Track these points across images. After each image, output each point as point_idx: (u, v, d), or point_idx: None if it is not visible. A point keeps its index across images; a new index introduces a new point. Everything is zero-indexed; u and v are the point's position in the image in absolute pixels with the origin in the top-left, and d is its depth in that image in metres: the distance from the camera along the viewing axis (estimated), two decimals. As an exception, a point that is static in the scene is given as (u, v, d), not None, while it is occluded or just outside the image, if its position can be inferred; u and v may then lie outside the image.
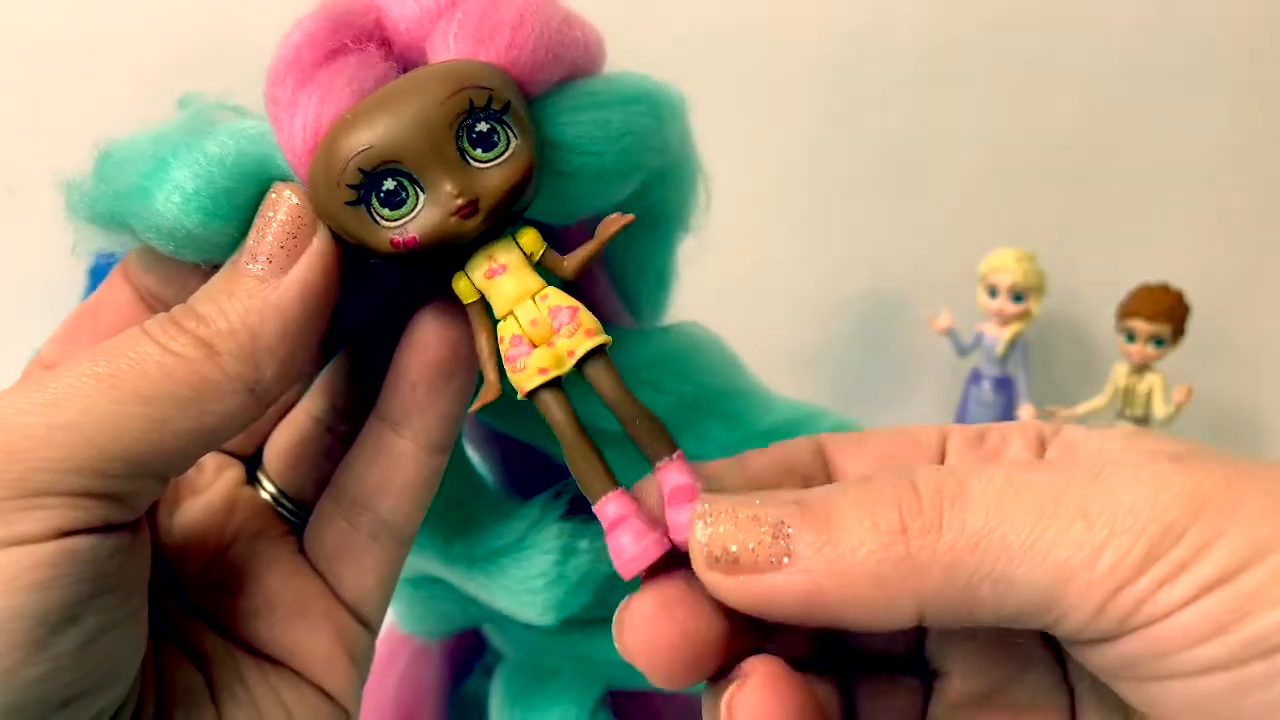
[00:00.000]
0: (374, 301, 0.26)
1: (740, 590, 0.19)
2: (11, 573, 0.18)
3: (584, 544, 0.30)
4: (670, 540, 0.21)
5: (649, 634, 0.20)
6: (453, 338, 0.23)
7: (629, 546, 0.20)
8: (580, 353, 0.21)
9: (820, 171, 0.67)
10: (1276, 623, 0.16)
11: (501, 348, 0.22)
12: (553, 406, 0.21)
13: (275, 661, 0.24)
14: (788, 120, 0.66)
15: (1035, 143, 0.66)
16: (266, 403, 0.22)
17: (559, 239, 0.26)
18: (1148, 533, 0.17)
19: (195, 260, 0.23)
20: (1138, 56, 0.64)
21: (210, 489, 0.26)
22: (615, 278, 0.30)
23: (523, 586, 0.30)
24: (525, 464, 0.32)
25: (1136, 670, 0.18)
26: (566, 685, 0.36)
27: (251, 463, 0.27)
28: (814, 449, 0.23)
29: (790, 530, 0.18)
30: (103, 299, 0.24)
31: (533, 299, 0.22)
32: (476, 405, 0.22)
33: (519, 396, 0.21)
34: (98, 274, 0.52)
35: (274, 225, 0.22)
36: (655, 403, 0.28)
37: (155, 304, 0.24)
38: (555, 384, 0.21)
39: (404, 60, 0.23)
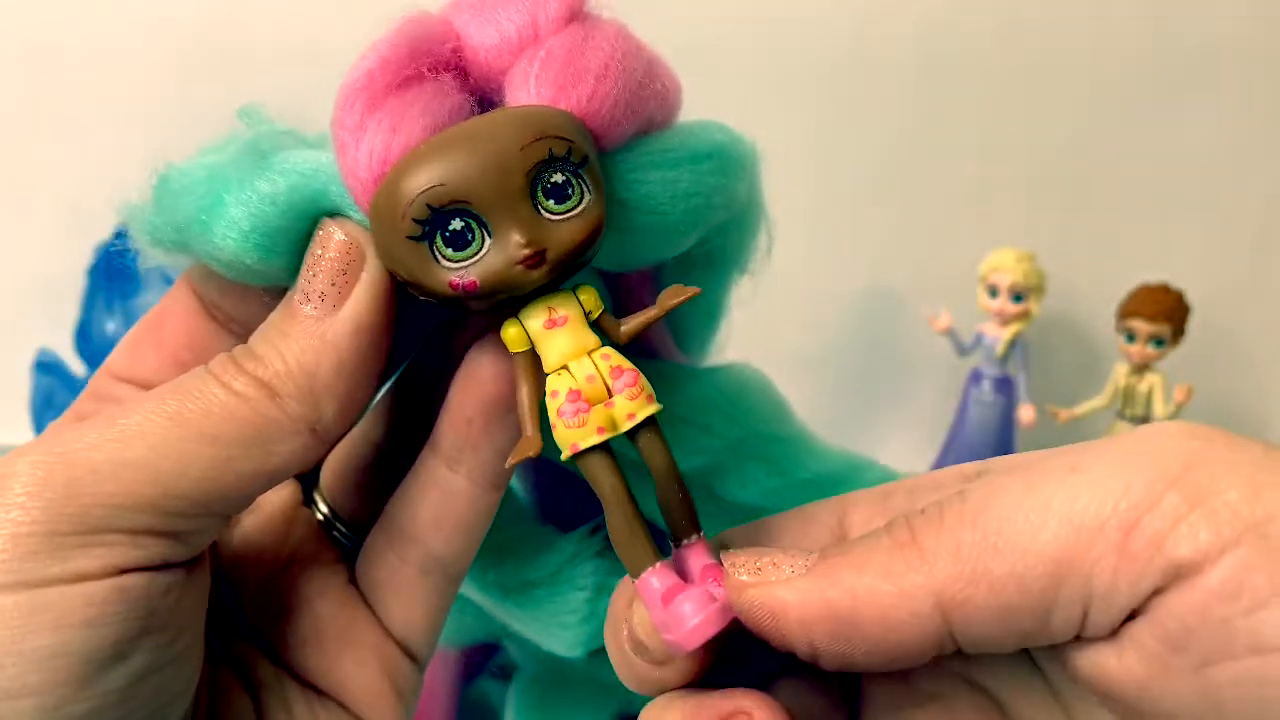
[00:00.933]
0: (431, 324, 0.26)
1: (752, 600, 0.19)
2: (63, 609, 0.18)
3: (617, 582, 0.29)
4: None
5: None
6: (510, 374, 0.23)
7: (692, 615, 0.20)
8: (641, 417, 0.21)
9: (820, 171, 0.67)
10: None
11: (553, 402, 0.21)
12: (602, 470, 0.21)
13: (323, 693, 0.24)
14: (788, 120, 0.66)
15: (1035, 143, 0.66)
16: (329, 442, 0.22)
17: (614, 284, 0.26)
18: (1148, 473, 0.16)
19: (259, 285, 0.23)
20: (1138, 57, 0.64)
21: (268, 505, 0.26)
22: (668, 314, 0.30)
23: (555, 621, 0.30)
24: (564, 492, 0.31)
25: (1176, 654, 0.17)
26: (584, 698, 0.36)
27: (308, 482, 0.27)
28: (836, 514, 0.22)
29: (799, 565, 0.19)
30: (167, 308, 0.24)
31: (590, 356, 0.21)
32: (513, 460, 0.21)
33: (563, 456, 0.21)
34: (98, 274, 0.52)
35: (323, 264, 0.21)
36: (702, 444, 0.27)
37: (217, 313, 0.24)
38: (605, 447, 0.21)
39: (479, 91, 0.22)
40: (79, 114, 0.64)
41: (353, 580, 0.25)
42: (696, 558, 0.21)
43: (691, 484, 0.22)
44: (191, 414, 0.20)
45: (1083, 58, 0.64)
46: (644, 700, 0.22)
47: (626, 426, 0.21)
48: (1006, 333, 0.64)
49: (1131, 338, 0.62)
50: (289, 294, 0.22)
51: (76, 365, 0.54)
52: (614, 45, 0.22)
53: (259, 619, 0.25)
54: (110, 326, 0.51)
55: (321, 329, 0.21)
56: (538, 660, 0.36)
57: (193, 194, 0.21)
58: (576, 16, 0.22)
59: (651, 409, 0.21)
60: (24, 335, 0.58)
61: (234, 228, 0.21)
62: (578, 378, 0.21)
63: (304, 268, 0.22)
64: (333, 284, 0.21)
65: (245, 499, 0.21)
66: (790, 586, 0.19)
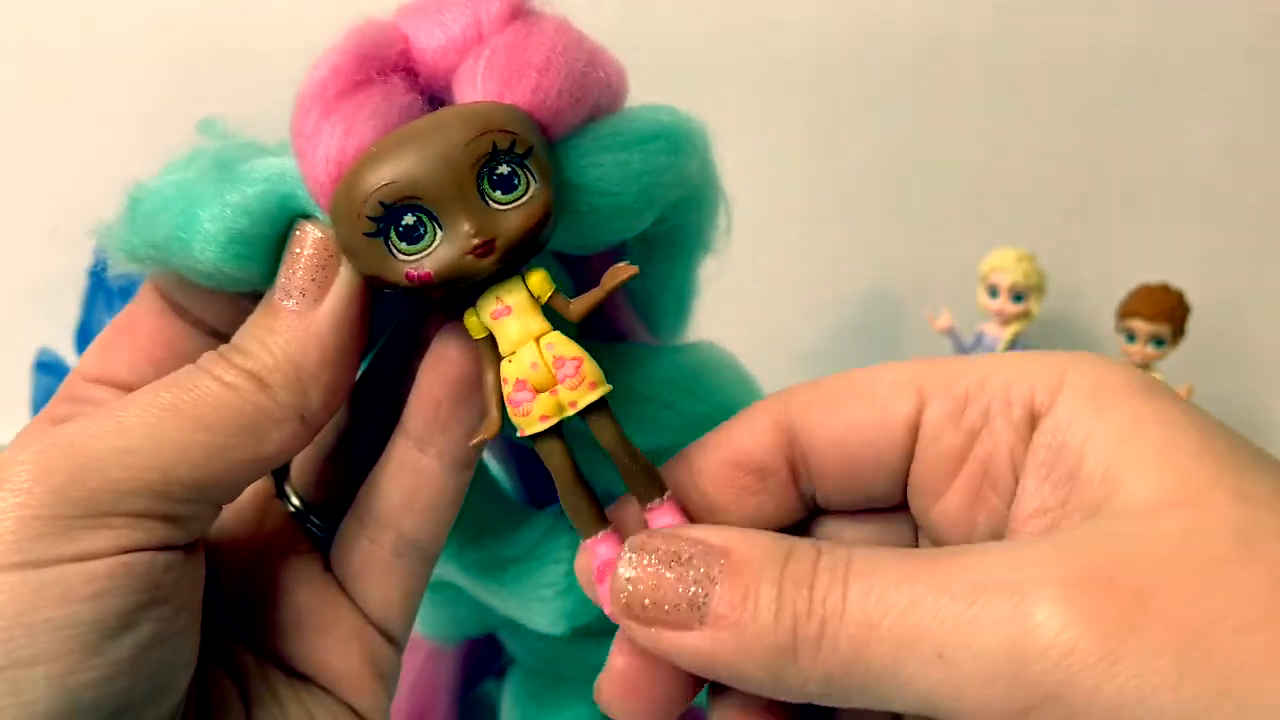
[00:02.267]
0: (391, 316, 0.27)
1: (652, 640, 0.20)
2: (71, 584, 0.19)
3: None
4: None
5: (629, 697, 0.22)
6: (476, 355, 0.23)
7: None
8: (582, 404, 0.22)
9: (820, 171, 0.67)
10: None
11: (505, 389, 0.22)
12: (551, 452, 0.22)
13: (306, 679, 0.25)
14: (788, 120, 0.66)
15: (1035, 143, 0.66)
16: (315, 428, 0.23)
17: (580, 268, 0.27)
18: (1005, 686, 0.16)
19: (236, 290, 0.24)
20: (1138, 57, 0.64)
21: (241, 498, 0.26)
22: (634, 296, 0.30)
23: (534, 595, 0.30)
24: (539, 470, 0.32)
25: None
26: (579, 688, 0.36)
27: (279, 474, 0.28)
28: (771, 427, 0.23)
29: (705, 601, 0.19)
30: (136, 311, 0.25)
31: (536, 342, 0.22)
32: (476, 440, 0.23)
33: (518, 436, 0.22)
34: (98, 273, 0.52)
35: (301, 261, 0.23)
36: (666, 420, 0.28)
37: (184, 314, 0.25)
38: (555, 429, 0.22)
39: (429, 90, 0.23)
40: (79, 114, 0.65)
41: (328, 567, 0.26)
42: (661, 519, 0.22)
43: (656, 460, 0.23)
44: (187, 405, 0.21)
45: (1082, 58, 0.64)
46: None
47: (570, 413, 0.22)
48: (1007, 333, 0.64)
49: (1131, 338, 0.62)
50: (269, 293, 0.23)
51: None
52: (554, 39, 0.23)
53: (238, 610, 0.25)
54: (110, 326, 0.51)
55: (304, 322, 0.22)
56: (532, 650, 0.36)
57: (167, 212, 0.22)
58: (519, 14, 0.23)
59: (592, 396, 0.22)
60: (24, 335, 0.58)
61: (212, 241, 0.22)
62: (524, 365, 0.22)
63: (283, 266, 0.23)
64: (313, 280, 0.23)
65: (239, 485, 0.22)
66: (681, 642, 0.19)
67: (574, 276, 0.27)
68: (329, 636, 0.25)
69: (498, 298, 0.22)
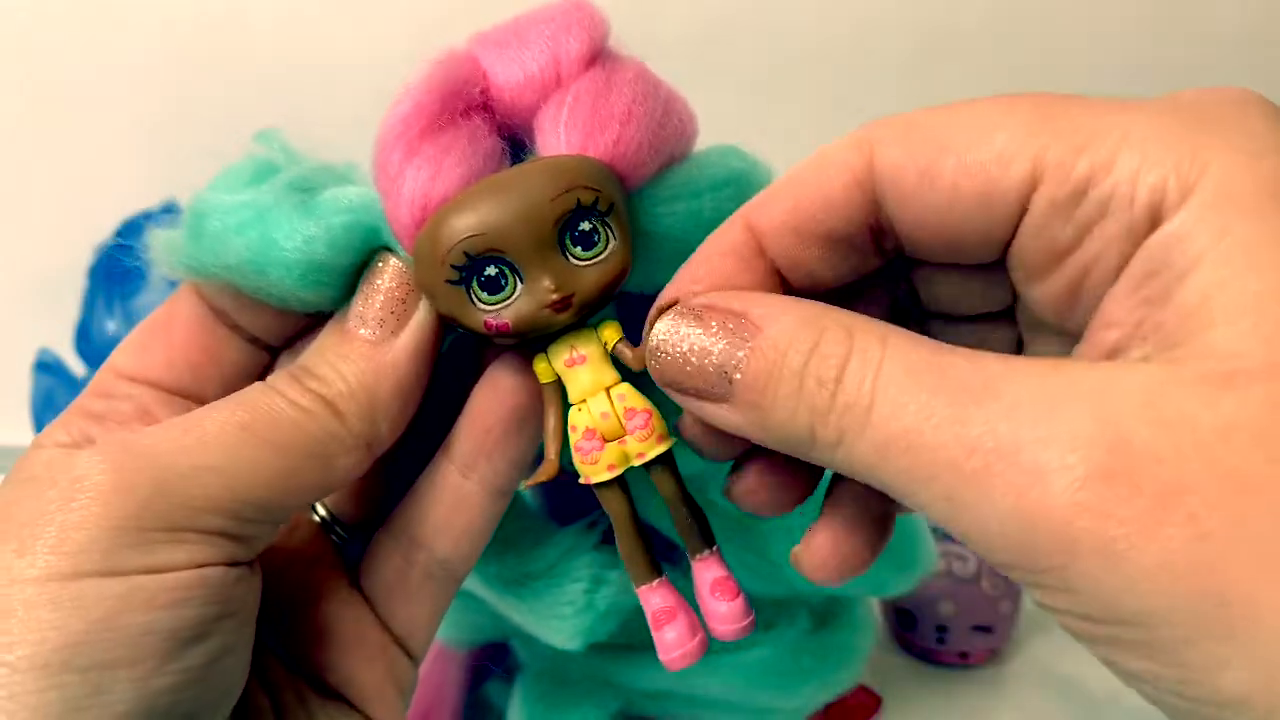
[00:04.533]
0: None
1: (690, 406, 0.20)
2: (152, 592, 0.19)
3: (614, 575, 0.31)
4: (711, 636, 0.23)
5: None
6: (529, 386, 0.24)
7: (674, 645, 0.23)
8: (650, 456, 0.23)
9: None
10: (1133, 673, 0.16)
11: (572, 435, 0.23)
12: (613, 500, 0.23)
13: (334, 695, 0.25)
14: (787, 120, 0.66)
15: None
16: (377, 456, 0.23)
17: (626, 300, 0.27)
18: (1012, 548, 0.16)
19: (298, 310, 0.24)
20: (1138, 57, 0.64)
21: None
22: None
23: (552, 612, 0.30)
24: (564, 488, 0.32)
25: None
26: (586, 693, 0.36)
27: None
28: (851, 188, 0.20)
29: (732, 379, 0.19)
30: (175, 312, 0.25)
31: (607, 392, 0.23)
32: (532, 482, 0.23)
33: (580, 481, 0.23)
34: (98, 274, 0.52)
35: (382, 293, 0.23)
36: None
37: (224, 320, 0.25)
38: (618, 479, 0.23)
39: (505, 126, 0.24)
40: (79, 114, 0.64)
41: (352, 583, 0.26)
42: (707, 571, 0.23)
43: (687, 489, 0.23)
44: (262, 426, 0.21)
45: (1084, 58, 0.64)
46: (646, 698, 0.23)
47: (637, 463, 0.23)
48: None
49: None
50: (338, 320, 0.23)
51: (76, 365, 0.54)
52: (634, 89, 0.23)
53: (269, 621, 0.25)
54: (111, 326, 0.51)
55: (380, 353, 0.23)
56: (542, 658, 0.36)
57: (242, 235, 0.22)
58: (598, 56, 0.23)
59: (660, 448, 0.23)
60: (24, 335, 0.58)
61: (292, 269, 0.22)
62: (594, 414, 0.22)
63: (361, 295, 0.23)
64: (392, 312, 0.23)
65: (302, 507, 0.23)
66: (709, 411, 0.20)
67: (621, 308, 0.27)
68: (355, 651, 0.25)
69: (572, 346, 0.23)
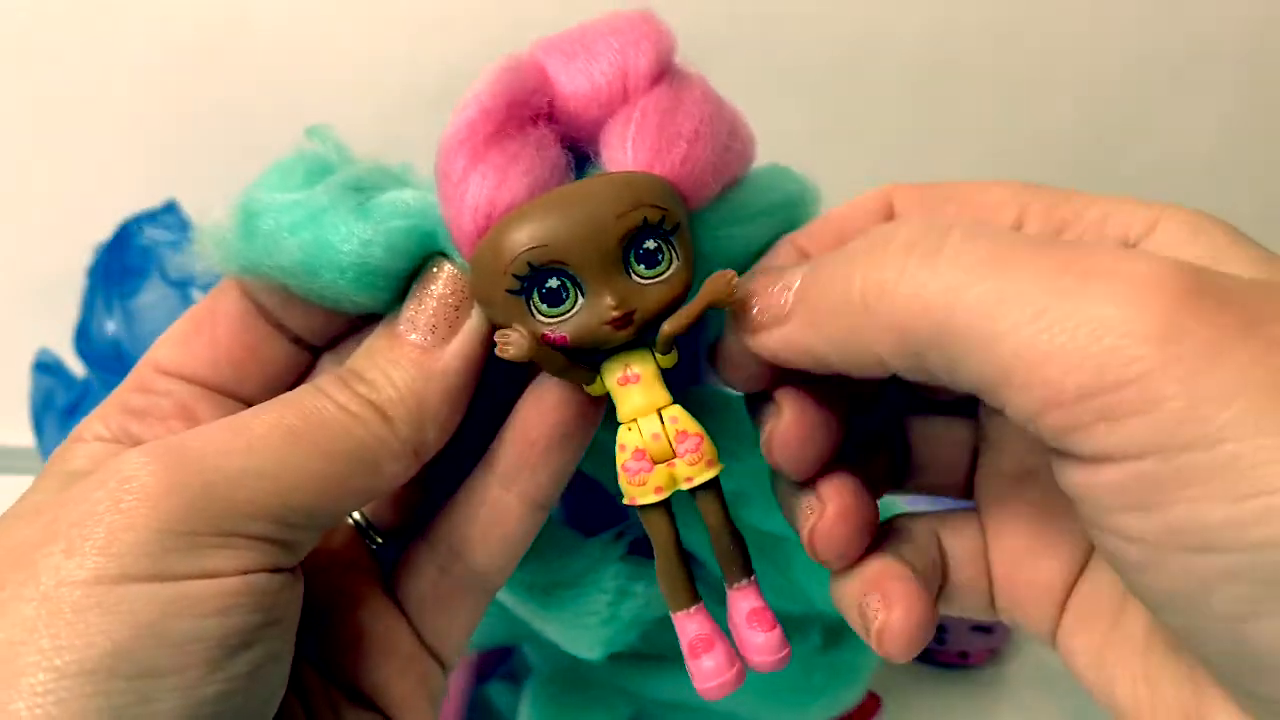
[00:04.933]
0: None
1: (759, 344, 0.21)
2: (200, 599, 0.19)
3: (639, 588, 0.30)
4: (747, 666, 0.22)
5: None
6: (575, 401, 0.24)
7: (712, 674, 0.22)
8: (698, 481, 0.22)
9: (820, 170, 0.67)
10: (1204, 522, 0.15)
11: (620, 455, 0.22)
12: (657, 523, 0.23)
13: (364, 700, 0.25)
14: (787, 120, 0.66)
15: (1035, 142, 0.66)
16: (424, 463, 0.23)
17: None
18: (1101, 359, 0.16)
19: (349, 312, 0.24)
20: (1138, 57, 0.64)
21: None
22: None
23: (576, 622, 0.30)
24: (593, 498, 0.32)
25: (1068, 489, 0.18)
26: (598, 699, 0.36)
27: None
28: (878, 218, 0.23)
29: (788, 298, 0.20)
30: (219, 307, 0.25)
31: (659, 414, 0.22)
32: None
33: (624, 501, 0.23)
34: (97, 274, 0.52)
35: (435, 299, 0.23)
36: (730, 469, 0.28)
37: (270, 318, 0.25)
38: (664, 502, 0.22)
39: (568, 136, 0.23)
40: (79, 114, 0.64)
41: (386, 590, 0.26)
42: (744, 601, 0.23)
43: (730, 516, 0.23)
44: (310, 430, 0.21)
45: (1084, 57, 0.64)
46: (658, 707, 0.22)
47: (685, 487, 0.22)
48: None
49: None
50: (388, 324, 0.23)
51: (76, 365, 0.54)
52: (702, 108, 0.23)
53: (305, 627, 0.25)
54: (110, 327, 0.51)
55: (431, 359, 0.23)
56: (554, 662, 0.36)
57: (295, 236, 0.22)
58: (666, 71, 0.23)
59: (710, 474, 0.22)
60: (23, 335, 0.57)
61: (347, 272, 0.22)
62: (644, 435, 0.22)
63: (414, 300, 0.23)
64: (445, 319, 0.23)
65: (347, 513, 0.23)
66: (774, 335, 0.21)
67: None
68: (388, 660, 0.25)
69: (626, 365, 0.22)
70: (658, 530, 0.23)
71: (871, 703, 0.46)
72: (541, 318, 0.22)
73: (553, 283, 0.21)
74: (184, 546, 0.19)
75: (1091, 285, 0.16)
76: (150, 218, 0.50)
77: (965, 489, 0.26)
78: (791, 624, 0.35)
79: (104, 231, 0.52)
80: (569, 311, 0.21)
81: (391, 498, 0.27)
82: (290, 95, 0.62)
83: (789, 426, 0.22)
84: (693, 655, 0.22)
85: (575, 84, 0.23)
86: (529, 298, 0.21)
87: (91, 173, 0.64)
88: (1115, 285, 0.16)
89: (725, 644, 0.22)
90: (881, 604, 0.22)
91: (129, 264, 0.49)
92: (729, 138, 0.23)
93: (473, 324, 0.23)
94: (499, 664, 0.42)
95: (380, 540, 0.27)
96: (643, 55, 0.23)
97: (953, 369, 0.18)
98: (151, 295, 0.50)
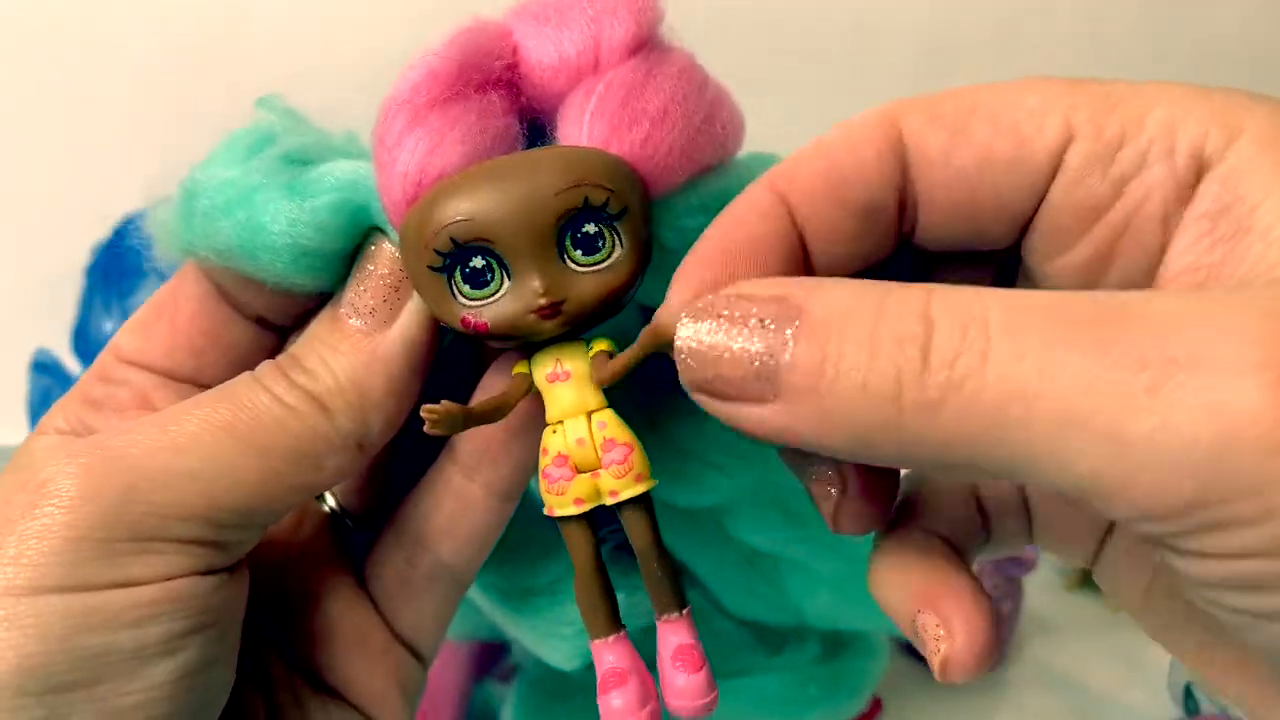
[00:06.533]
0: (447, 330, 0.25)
1: (725, 414, 0.17)
2: (114, 611, 0.18)
3: (619, 597, 0.29)
4: (664, 708, 0.20)
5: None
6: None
7: (619, 715, 0.20)
8: (624, 496, 0.20)
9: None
10: None
11: (542, 459, 0.21)
12: (576, 538, 0.21)
13: (333, 693, 0.24)
14: (786, 120, 0.66)
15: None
16: (370, 455, 0.22)
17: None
18: (1206, 476, 0.13)
19: (299, 292, 0.22)
20: (1138, 58, 0.64)
21: None
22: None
23: (551, 631, 0.29)
24: None
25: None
26: (583, 707, 0.35)
27: None
28: (883, 154, 0.19)
29: (780, 364, 0.16)
30: (180, 291, 0.24)
31: (588, 417, 0.20)
32: (427, 416, 0.20)
33: (544, 512, 0.21)
34: (95, 274, 0.52)
35: (373, 280, 0.21)
36: (714, 483, 0.26)
37: (230, 300, 0.23)
38: (585, 515, 0.20)
39: (530, 110, 0.22)
40: (77, 113, 0.64)
41: (359, 583, 0.25)
42: (673, 635, 0.20)
43: (702, 520, 0.21)
44: (243, 426, 0.20)
45: (1084, 57, 0.64)
46: None
47: (609, 501, 0.20)
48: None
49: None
50: (332, 306, 0.22)
51: (74, 365, 0.54)
52: (675, 85, 0.21)
53: (269, 616, 0.24)
54: (108, 326, 0.51)
55: (372, 345, 0.21)
56: (542, 665, 0.36)
57: (228, 217, 0.21)
58: (643, 45, 0.21)
59: (636, 489, 0.20)
60: (21, 335, 0.57)
61: (281, 254, 0.21)
62: (569, 439, 0.20)
63: (354, 282, 0.22)
64: (384, 300, 0.21)
65: (287, 510, 0.21)
66: (753, 415, 0.17)
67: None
68: (359, 652, 0.24)
69: (557, 360, 0.20)
70: (577, 546, 0.20)
71: (872, 704, 0.46)
72: (463, 299, 0.20)
73: (477, 262, 0.19)
74: (99, 555, 0.18)
75: (1177, 388, 0.13)
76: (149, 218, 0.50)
77: None
78: (789, 633, 0.34)
79: (102, 231, 0.52)
80: (492, 296, 0.20)
81: (361, 484, 0.26)
82: (290, 95, 0.61)
83: (857, 500, 0.19)
84: (602, 690, 0.20)
85: (542, 52, 0.21)
86: (451, 276, 0.20)
87: (90, 173, 0.64)
88: (1207, 384, 0.13)
89: (642, 680, 0.20)
90: (942, 630, 0.19)
91: (127, 264, 0.49)
92: (705, 120, 0.21)
93: (414, 305, 0.21)
94: (495, 659, 0.42)
95: (351, 524, 0.26)
96: (620, 25, 0.21)
97: (1016, 479, 0.16)
98: (150, 295, 0.50)
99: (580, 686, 0.35)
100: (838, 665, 0.35)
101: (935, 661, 0.19)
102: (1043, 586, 0.52)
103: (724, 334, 0.17)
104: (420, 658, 0.25)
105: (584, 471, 0.20)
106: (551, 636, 0.29)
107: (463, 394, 0.23)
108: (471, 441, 0.23)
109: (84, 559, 0.18)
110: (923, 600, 0.20)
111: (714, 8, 0.64)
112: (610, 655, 0.20)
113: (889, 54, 0.64)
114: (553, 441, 0.20)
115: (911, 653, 0.50)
